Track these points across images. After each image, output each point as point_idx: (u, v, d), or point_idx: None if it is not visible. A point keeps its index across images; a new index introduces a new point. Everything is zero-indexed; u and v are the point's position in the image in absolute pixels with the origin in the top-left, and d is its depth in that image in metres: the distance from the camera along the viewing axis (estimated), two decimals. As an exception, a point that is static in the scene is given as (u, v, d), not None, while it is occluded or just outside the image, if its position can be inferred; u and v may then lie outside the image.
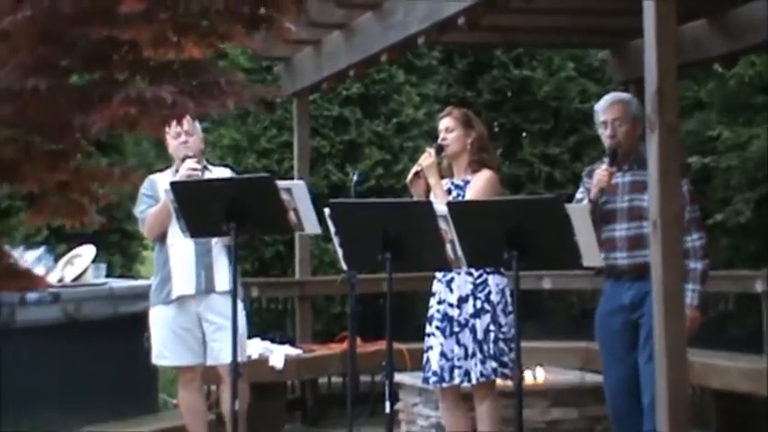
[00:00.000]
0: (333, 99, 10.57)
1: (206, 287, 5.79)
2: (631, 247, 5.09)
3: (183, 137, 5.90)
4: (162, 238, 5.86)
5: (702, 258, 5.11)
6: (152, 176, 6.08)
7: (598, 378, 6.18)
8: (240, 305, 5.78)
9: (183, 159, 5.86)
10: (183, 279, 5.80)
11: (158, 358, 5.94)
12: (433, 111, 10.85)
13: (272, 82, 9.68)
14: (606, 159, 5.18)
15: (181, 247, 5.78)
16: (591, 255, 4.34)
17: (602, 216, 5.10)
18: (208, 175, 5.87)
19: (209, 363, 5.83)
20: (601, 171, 5.13)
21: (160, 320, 5.88)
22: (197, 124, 6.00)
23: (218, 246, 5.82)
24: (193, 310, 5.82)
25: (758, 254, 9.21)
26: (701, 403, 7.01)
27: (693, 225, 5.06)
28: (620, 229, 5.12)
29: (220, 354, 5.66)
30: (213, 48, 2.81)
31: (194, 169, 5.75)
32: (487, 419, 5.46)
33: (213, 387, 6.62)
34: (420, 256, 4.60)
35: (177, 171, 5.88)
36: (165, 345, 5.86)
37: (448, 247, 4.48)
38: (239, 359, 5.59)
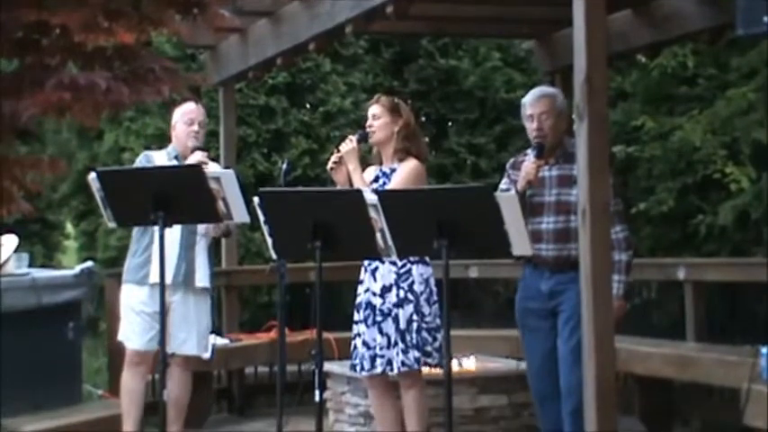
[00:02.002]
0: (259, 88, 10.53)
1: (183, 280, 5.89)
2: (557, 240, 5.13)
3: (195, 126, 5.96)
4: None
5: (626, 250, 5.16)
6: (148, 152, 6.14)
7: (524, 366, 6.24)
8: (208, 301, 6.08)
9: (192, 150, 5.88)
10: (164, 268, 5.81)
11: (124, 339, 6.02)
12: (360, 100, 10.87)
13: (197, 70, 9.60)
14: (532, 152, 5.21)
15: (166, 236, 5.75)
16: (520, 244, 4.36)
17: (529, 209, 5.13)
18: (208, 171, 5.82)
19: (170, 350, 5.74)
20: (528, 164, 5.16)
21: (129, 302, 5.96)
22: (206, 119, 6.08)
23: (201, 243, 5.95)
24: (165, 299, 5.76)
25: (680, 242, 9.39)
26: (624, 388, 7.11)
27: (617, 218, 5.10)
28: (548, 222, 5.16)
29: (184, 345, 5.89)
30: (145, 34, 2.77)
31: (204, 163, 5.68)
32: (414, 408, 5.45)
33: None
34: (350, 245, 4.59)
35: (176, 158, 5.94)
36: (132, 328, 5.94)
37: (378, 236, 4.47)
38: (201, 353, 6.04)
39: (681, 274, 7.34)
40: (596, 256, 4.61)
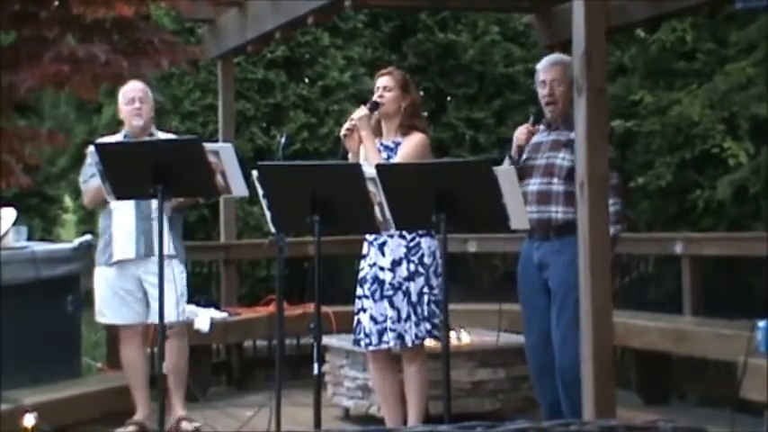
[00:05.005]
0: (258, 62, 10.50)
1: (145, 252, 6.02)
2: (539, 202, 5.15)
3: (136, 103, 6.05)
4: (105, 203, 5.95)
5: (615, 224, 5.08)
6: (100, 141, 6.09)
7: (523, 339, 6.25)
8: (182, 268, 6.16)
9: (140, 129, 6.00)
10: (124, 244, 6.03)
11: (99, 315, 6.22)
12: (359, 74, 10.86)
13: (196, 44, 9.58)
14: (531, 117, 5.25)
15: (122, 213, 5.99)
16: (518, 217, 4.37)
17: (522, 172, 5.16)
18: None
19: (150, 321, 6.03)
20: (521, 128, 5.21)
21: (101, 281, 6.15)
22: (149, 92, 6.14)
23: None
24: (133, 273, 6.06)
25: (678, 216, 9.40)
26: (621, 362, 7.13)
27: (611, 191, 5.08)
28: (533, 184, 5.19)
29: (156, 314, 5.83)
30: (144, 7, 2.76)
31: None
32: (415, 381, 5.49)
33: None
34: (348, 218, 4.59)
35: (126, 137, 6.05)
36: (105, 303, 6.14)
37: (376, 209, 4.48)
38: (179, 319, 6.06)
39: (678, 249, 7.36)
40: (594, 230, 4.61)
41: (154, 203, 5.84)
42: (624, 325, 6.54)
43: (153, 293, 5.92)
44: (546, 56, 5.68)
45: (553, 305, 5.11)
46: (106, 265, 6.11)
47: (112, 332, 6.89)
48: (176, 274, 5.98)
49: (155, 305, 5.85)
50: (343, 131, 5.49)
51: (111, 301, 6.10)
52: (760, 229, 8.23)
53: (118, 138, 6.14)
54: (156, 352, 6.60)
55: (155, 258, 5.81)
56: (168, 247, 5.93)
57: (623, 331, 6.45)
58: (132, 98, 6.04)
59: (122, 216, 6.00)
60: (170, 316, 5.90)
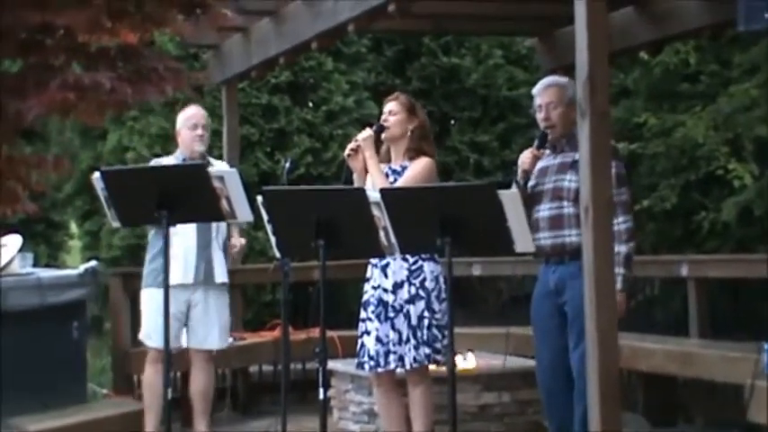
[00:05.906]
0: (262, 87, 10.53)
1: (204, 278, 6.18)
2: (552, 227, 5.13)
3: (200, 130, 6.18)
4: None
5: (627, 242, 5.06)
6: (157, 160, 6.38)
7: (529, 363, 6.25)
8: (226, 297, 6.35)
9: (200, 155, 6.17)
10: (184, 269, 6.13)
11: (145, 338, 6.25)
12: (363, 98, 10.88)
13: (200, 69, 9.61)
14: (536, 141, 5.23)
15: (183, 237, 6.07)
16: (523, 240, 4.37)
17: (532, 198, 5.16)
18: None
19: (192, 346, 6.23)
20: (525, 153, 5.20)
21: (151, 302, 6.15)
22: (209, 118, 6.32)
23: (218, 239, 6.22)
24: (186, 298, 6.17)
25: (683, 238, 9.39)
26: (628, 385, 7.12)
27: (620, 208, 5.04)
28: (543, 210, 5.17)
29: (205, 341, 6.21)
30: (148, 34, 2.78)
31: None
32: (420, 405, 5.48)
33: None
34: (353, 243, 4.60)
35: (184, 160, 6.14)
36: (153, 327, 6.12)
37: (381, 233, 4.48)
38: (221, 346, 6.34)
39: (684, 271, 7.36)
40: (599, 254, 4.61)
41: (214, 230, 6.18)
42: (630, 348, 6.53)
43: (199, 319, 6.16)
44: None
45: (571, 330, 5.06)
46: (159, 287, 5.98)
47: (120, 357, 6.93)
48: (228, 302, 6.30)
49: (198, 330, 6.17)
50: (347, 151, 5.54)
51: (157, 323, 5.97)
52: (765, 251, 8.21)
53: (171, 160, 6.23)
54: (179, 376, 6.82)
55: (211, 286, 6.20)
56: (223, 275, 6.27)
57: (630, 354, 6.44)
58: (195, 124, 6.16)
59: (183, 241, 6.08)
60: (215, 343, 6.28)
